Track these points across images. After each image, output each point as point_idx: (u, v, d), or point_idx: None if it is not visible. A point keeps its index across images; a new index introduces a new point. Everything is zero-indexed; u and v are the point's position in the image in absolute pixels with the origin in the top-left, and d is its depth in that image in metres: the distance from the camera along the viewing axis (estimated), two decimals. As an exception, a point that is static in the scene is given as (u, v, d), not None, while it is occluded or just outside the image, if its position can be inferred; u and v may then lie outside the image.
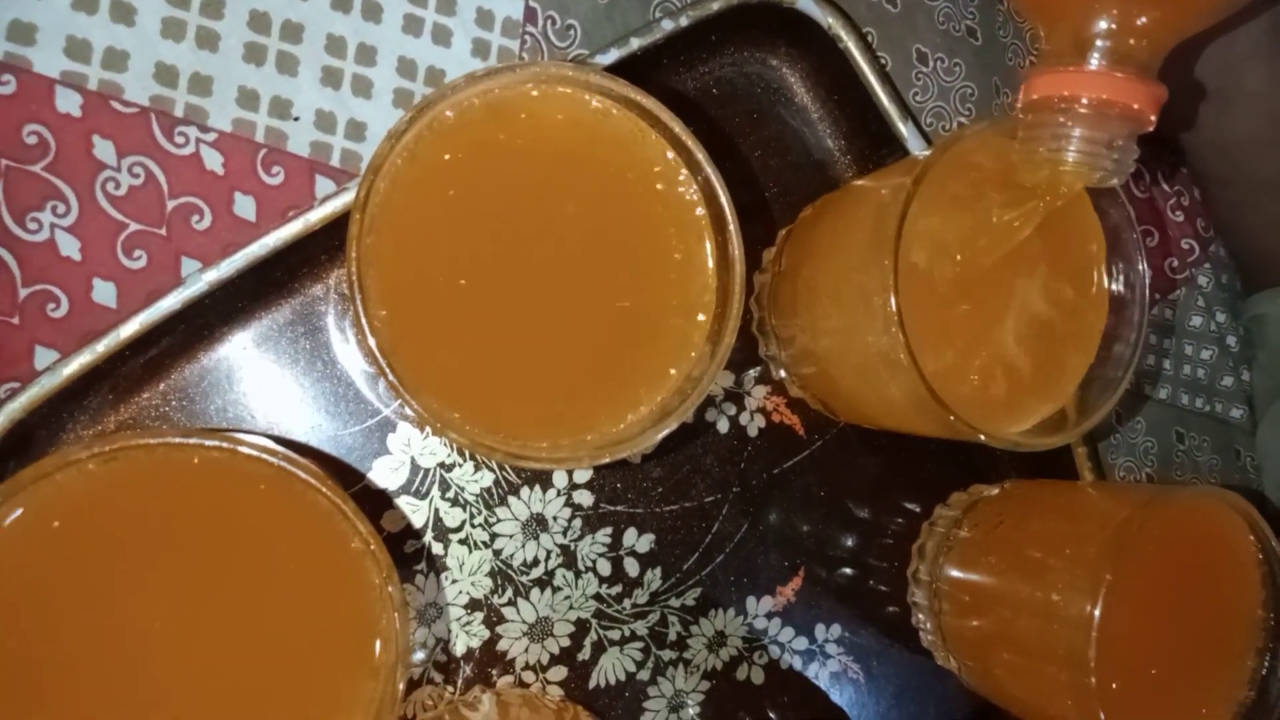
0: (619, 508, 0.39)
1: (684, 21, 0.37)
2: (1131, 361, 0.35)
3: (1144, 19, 0.29)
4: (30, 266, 0.32)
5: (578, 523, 0.39)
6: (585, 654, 0.39)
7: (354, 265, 0.28)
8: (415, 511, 0.37)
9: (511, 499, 0.38)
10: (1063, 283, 0.36)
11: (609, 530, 0.39)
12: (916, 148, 0.41)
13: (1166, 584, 0.36)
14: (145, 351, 0.33)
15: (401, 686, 0.29)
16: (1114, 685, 0.33)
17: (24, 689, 0.27)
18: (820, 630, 0.42)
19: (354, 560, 0.29)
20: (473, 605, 0.37)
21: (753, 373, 0.41)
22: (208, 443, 0.28)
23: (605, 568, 0.39)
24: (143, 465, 0.28)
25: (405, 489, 0.37)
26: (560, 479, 0.39)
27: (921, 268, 0.33)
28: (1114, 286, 0.36)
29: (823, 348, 0.37)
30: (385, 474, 0.36)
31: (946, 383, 0.32)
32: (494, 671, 0.37)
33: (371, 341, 0.28)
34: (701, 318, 0.32)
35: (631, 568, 0.39)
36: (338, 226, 0.33)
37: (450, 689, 0.37)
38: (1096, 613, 0.33)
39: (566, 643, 0.38)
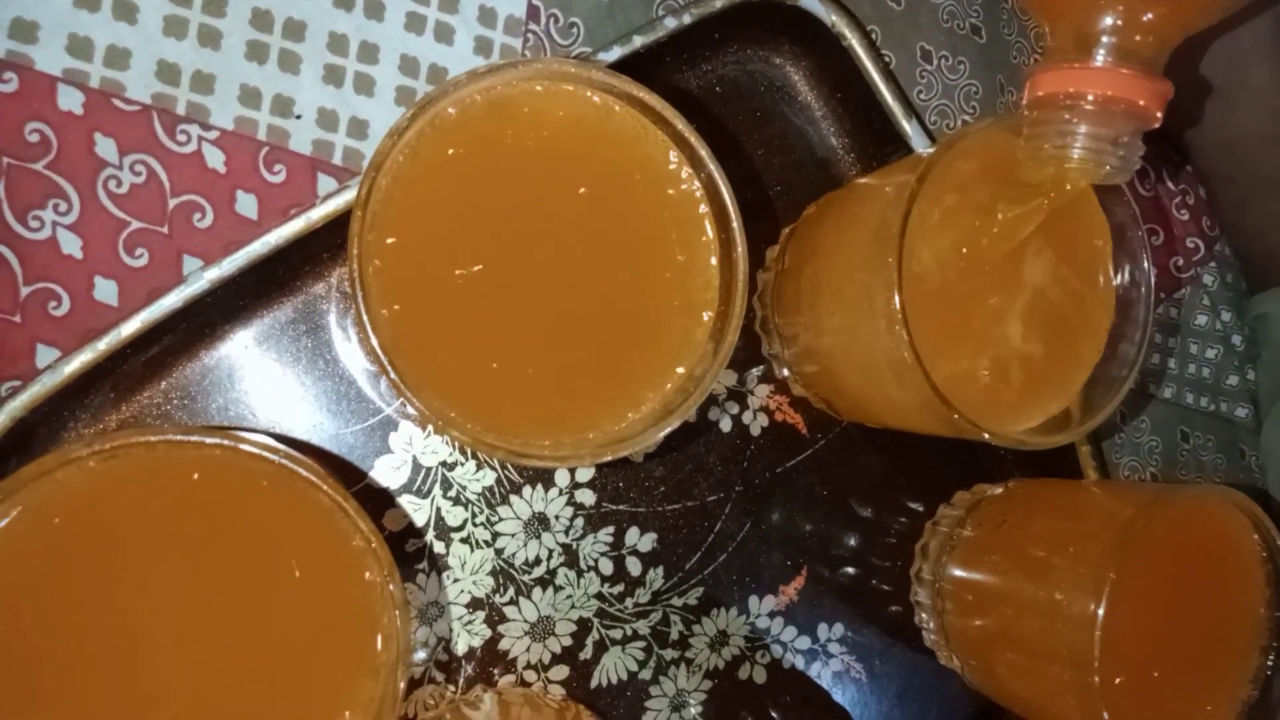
0: (621, 507, 0.39)
1: (687, 19, 0.37)
2: (1136, 360, 0.35)
3: (1149, 15, 0.29)
4: (32, 264, 0.32)
5: (580, 522, 0.39)
6: (587, 653, 0.39)
7: (356, 262, 0.28)
8: (417, 510, 0.37)
9: (513, 498, 0.38)
10: (1068, 280, 0.36)
11: (611, 529, 0.39)
12: (920, 146, 0.41)
13: (1170, 583, 0.36)
14: (147, 350, 0.33)
15: (402, 685, 0.29)
16: (1118, 684, 0.33)
17: (25, 686, 0.27)
18: (823, 629, 0.42)
19: (355, 558, 0.29)
20: (474, 604, 0.37)
21: (755, 371, 0.41)
22: (209, 440, 0.28)
23: (607, 567, 0.39)
24: (143, 463, 0.28)
25: (407, 488, 0.37)
26: (562, 478, 0.38)
27: (925, 265, 0.33)
28: (1119, 284, 0.36)
29: (826, 346, 0.37)
30: (387, 473, 0.36)
31: (950, 381, 0.32)
32: (496, 671, 0.37)
33: (373, 339, 0.28)
34: (705, 316, 0.32)
35: (634, 567, 0.39)
36: (340, 224, 0.33)
37: (452, 688, 0.37)
38: (1100, 612, 0.33)
39: (568, 642, 0.38)
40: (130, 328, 0.32)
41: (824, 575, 0.42)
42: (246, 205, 0.34)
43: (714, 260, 0.32)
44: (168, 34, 0.33)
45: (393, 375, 0.28)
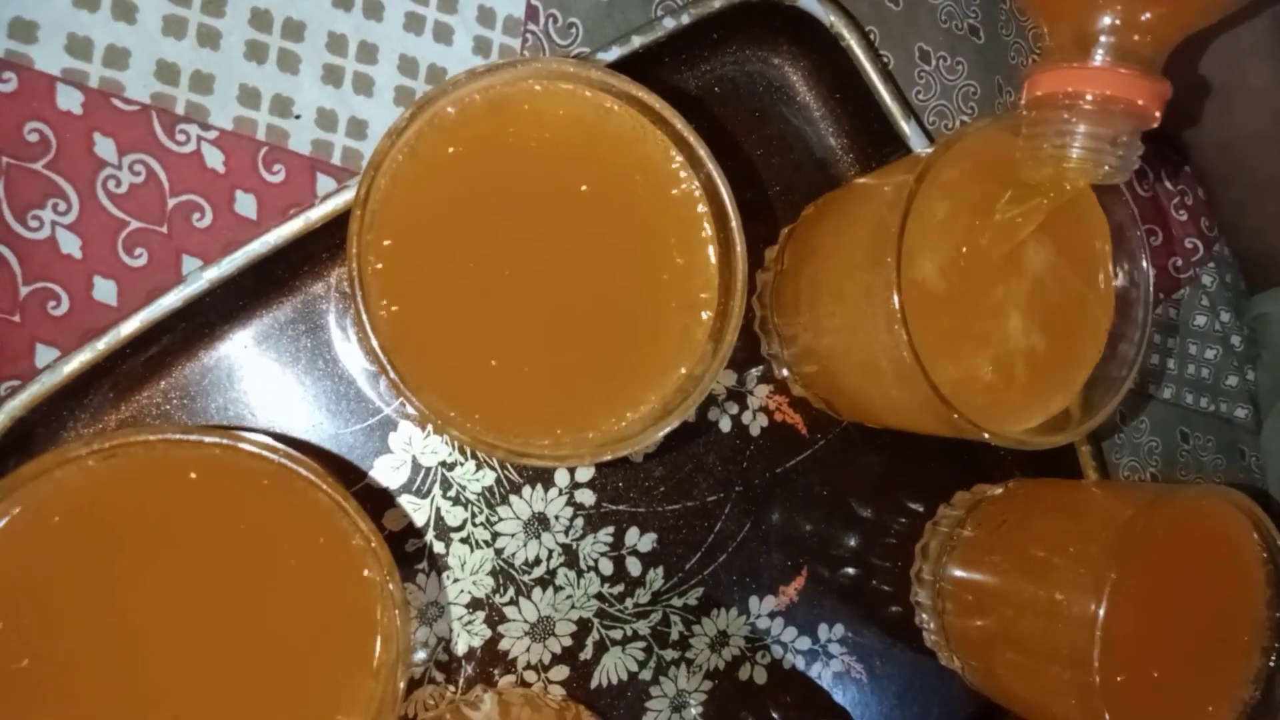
0: (621, 507, 0.39)
1: (685, 19, 0.37)
2: (1135, 360, 0.35)
3: (1148, 15, 0.29)
4: (31, 264, 0.32)
5: (580, 522, 0.39)
6: (587, 653, 0.39)
7: (355, 262, 0.28)
8: (417, 510, 0.37)
9: (513, 498, 0.38)
10: (1068, 280, 0.36)
11: (611, 529, 0.39)
12: (919, 146, 0.41)
13: (1171, 583, 0.36)
14: (146, 349, 0.33)
15: (402, 685, 0.29)
16: (1118, 684, 0.33)
17: (24, 685, 0.27)
18: (823, 630, 0.42)
19: (355, 558, 0.29)
20: (474, 604, 0.37)
21: (755, 371, 0.41)
22: (208, 439, 0.28)
23: (607, 567, 0.39)
24: (142, 462, 0.28)
25: (407, 488, 0.37)
26: (562, 478, 0.38)
27: (924, 265, 0.33)
28: (1118, 285, 0.36)
29: (825, 346, 0.37)
30: (387, 473, 0.36)
31: (950, 380, 0.32)
32: (495, 671, 0.37)
33: (373, 339, 0.28)
34: (704, 315, 0.32)
35: (633, 567, 0.39)
36: (339, 224, 0.33)
37: (451, 688, 0.37)
38: (1101, 612, 0.33)
39: (568, 642, 0.38)
40: (129, 327, 0.32)
41: (824, 575, 0.42)
42: (246, 205, 0.34)
43: (713, 260, 0.32)
44: (167, 34, 0.33)
45: (392, 375, 0.28)
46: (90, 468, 0.27)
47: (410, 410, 0.36)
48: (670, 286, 0.32)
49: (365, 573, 0.29)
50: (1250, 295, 0.50)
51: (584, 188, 0.31)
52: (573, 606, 0.38)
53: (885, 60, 0.42)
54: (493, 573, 0.37)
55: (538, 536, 0.38)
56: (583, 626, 0.39)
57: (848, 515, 0.43)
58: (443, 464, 0.37)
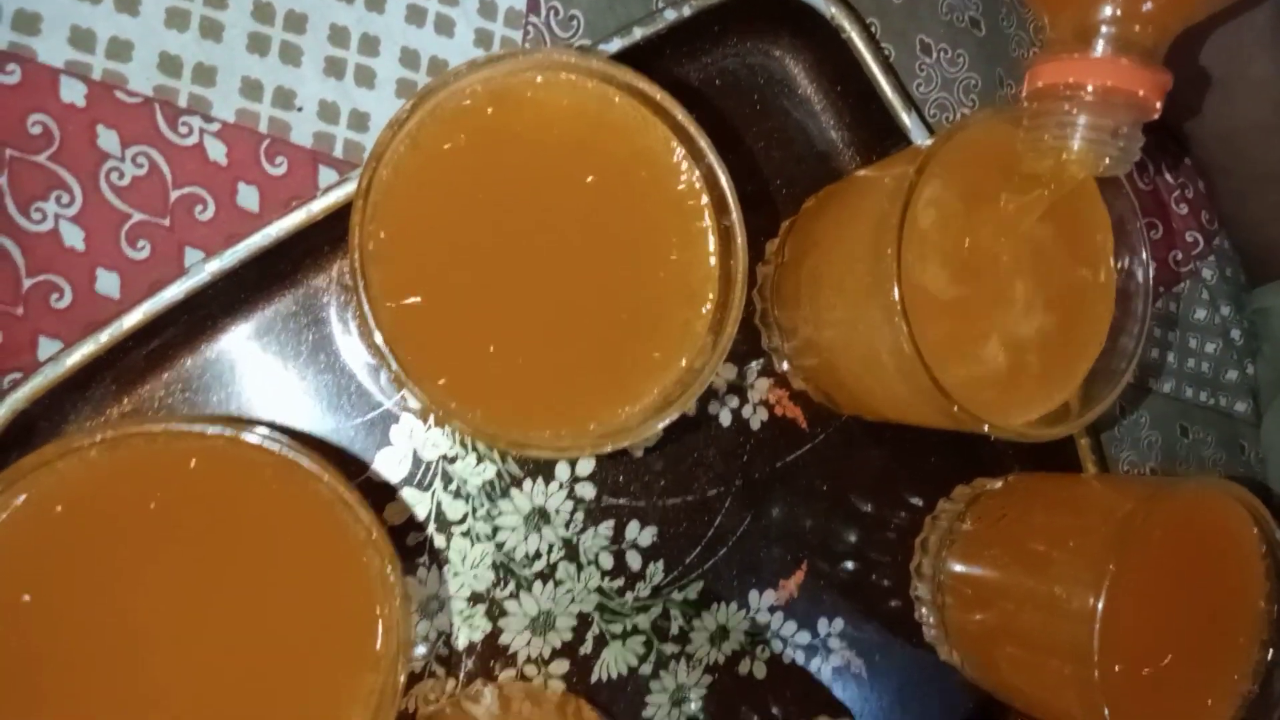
0: (621, 501, 0.39)
1: (686, 11, 0.37)
2: (1134, 353, 0.35)
3: (1148, 5, 0.29)
4: (34, 257, 0.32)
5: (580, 516, 0.39)
6: (587, 648, 0.39)
7: (357, 253, 0.28)
8: (417, 504, 0.37)
9: (514, 491, 0.38)
10: (1070, 273, 0.36)
11: (611, 523, 0.39)
12: (920, 139, 0.41)
13: (1170, 577, 0.36)
14: (148, 342, 0.33)
15: (402, 678, 0.29)
16: (1117, 678, 0.34)
17: (25, 677, 0.27)
18: (823, 624, 0.42)
19: (356, 549, 0.29)
20: (475, 598, 0.37)
21: (755, 365, 0.41)
22: (210, 430, 0.28)
23: (607, 561, 0.39)
24: (145, 453, 0.28)
25: (408, 481, 0.37)
26: (562, 472, 0.38)
27: (925, 257, 0.33)
28: (1118, 278, 0.36)
29: (826, 339, 0.37)
30: (388, 466, 0.36)
31: (950, 373, 0.32)
32: (496, 665, 0.37)
33: (375, 330, 0.28)
34: (704, 308, 0.32)
35: (634, 561, 0.39)
36: (340, 216, 0.33)
37: (452, 682, 0.37)
38: (1100, 605, 0.33)
39: (568, 636, 0.38)
40: (132, 320, 0.32)
41: (824, 570, 0.42)
42: (248, 197, 0.34)
43: (713, 252, 0.32)
44: (170, 26, 0.33)
45: (394, 366, 0.28)
46: (92, 459, 0.27)
47: (412, 403, 0.36)
48: (671, 279, 0.32)
49: (367, 564, 0.29)
50: (1251, 289, 0.50)
51: (585, 179, 0.31)
52: (573, 600, 0.38)
53: (886, 53, 0.42)
54: (493, 567, 0.37)
55: (538, 530, 0.38)
56: (583, 621, 0.39)
57: (848, 509, 0.43)
58: (444, 457, 0.37)
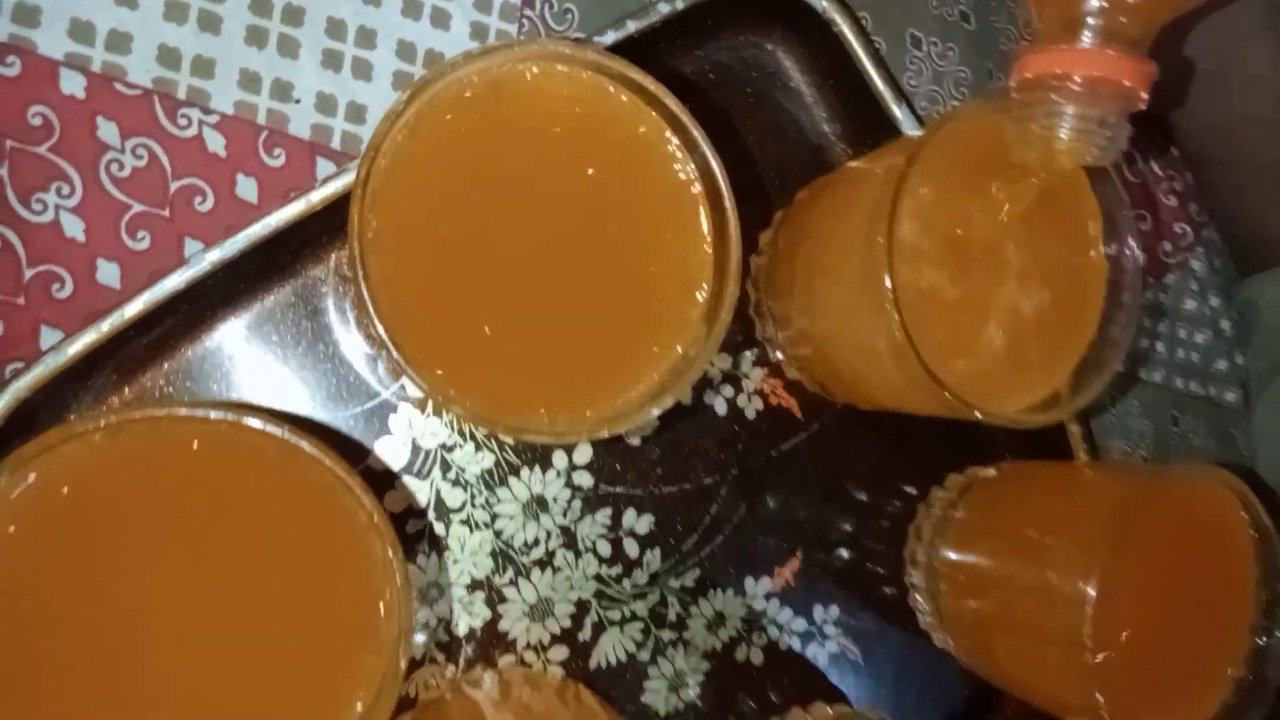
0: (618, 489, 0.39)
1: (680, 5, 0.38)
2: (1123, 341, 0.36)
3: (1133, -5, 0.30)
4: (35, 247, 0.33)
5: (578, 504, 0.39)
6: (586, 634, 0.39)
7: (356, 242, 0.28)
8: (417, 492, 0.37)
9: (512, 480, 0.38)
10: (1060, 262, 0.36)
11: (609, 511, 0.39)
12: (911, 131, 0.41)
13: (1162, 563, 0.36)
14: (149, 332, 0.34)
15: (403, 663, 0.29)
16: (1110, 663, 0.34)
17: (30, 657, 0.27)
18: (819, 611, 0.42)
19: (358, 533, 0.29)
20: (474, 585, 0.38)
21: (750, 355, 0.41)
22: (213, 415, 0.28)
23: (605, 548, 0.39)
24: (148, 438, 0.28)
25: (407, 469, 0.37)
26: (560, 460, 0.39)
27: (916, 246, 0.34)
28: (1107, 267, 0.37)
29: (819, 328, 0.38)
30: (387, 455, 0.37)
31: (942, 360, 0.33)
32: (495, 651, 0.38)
33: (373, 318, 0.28)
34: (699, 296, 0.32)
35: (631, 548, 0.40)
36: (339, 207, 0.34)
37: (452, 668, 0.37)
38: (1092, 591, 0.33)
39: (567, 623, 0.39)
40: (132, 309, 0.32)
41: (819, 557, 0.42)
42: (247, 189, 0.35)
43: (708, 240, 0.32)
44: (168, 19, 0.33)
45: (395, 354, 0.28)
46: (95, 444, 0.27)
47: (411, 390, 0.36)
48: (666, 267, 0.32)
49: (369, 547, 0.29)
50: (1240, 280, 0.50)
51: (581, 169, 0.31)
52: (571, 587, 0.39)
53: (877, 46, 0.42)
54: (492, 554, 0.38)
55: (536, 518, 0.38)
56: (581, 607, 0.39)
57: (842, 497, 0.43)
58: (442, 446, 0.37)
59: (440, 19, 0.37)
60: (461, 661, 0.37)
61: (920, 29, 0.43)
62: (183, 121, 0.34)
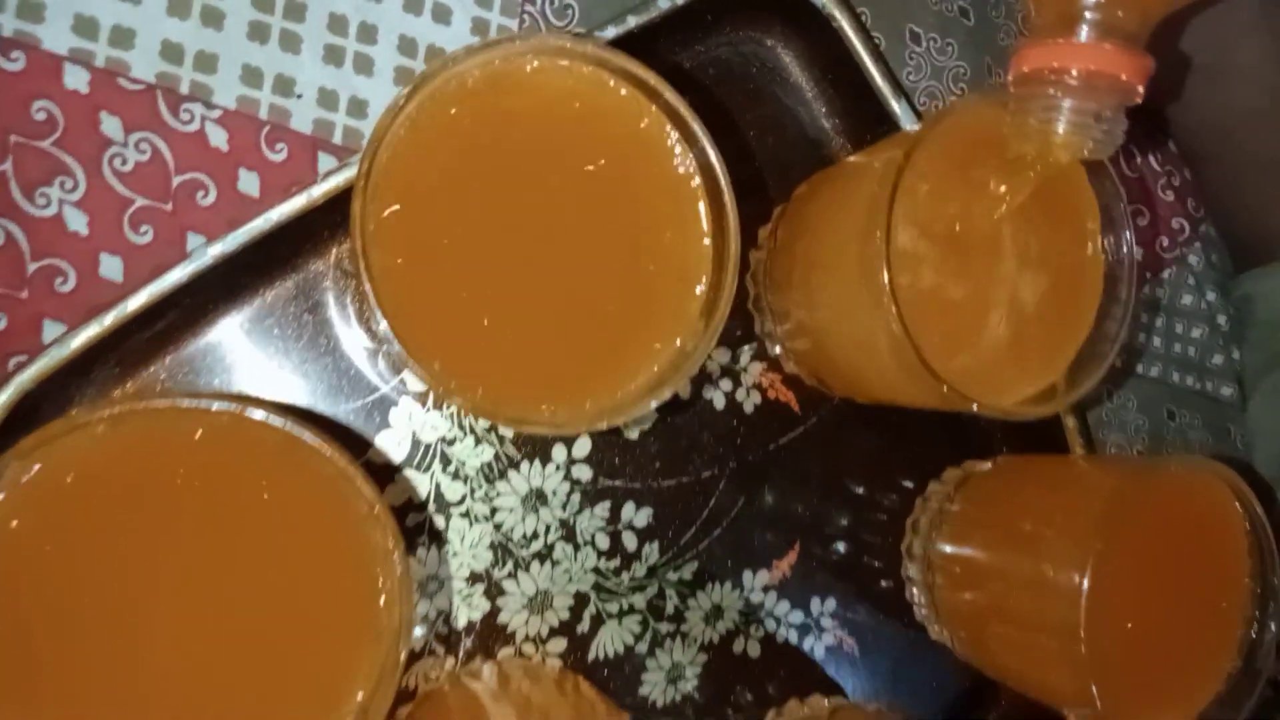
0: (617, 482, 0.40)
1: (680, 0, 0.38)
2: (1119, 335, 0.36)
3: (1130, -9, 0.30)
4: (39, 241, 0.33)
5: (576, 497, 0.39)
6: (584, 626, 0.39)
7: (357, 236, 0.28)
8: (417, 486, 0.37)
9: (511, 473, 0.38)
10: (1058, 256, 0.36)
11: (607, 504, 0.40)
12: (909, 126, 0.41)
13: (1156, 554, 0.36)
14: (151, 325, 0.34)
15: (403, 654, 0.29)
16: (1104, 654, 0.34)
17: (34, 643, 0.27)
18: (816, 604, 0.42)
19: (359, 523, 0.29)
20: (473, 578, 0.38)
21: (748, 349, 0.42)
22: (215, 406, 0.28)
23: (604, 542, 0.39)
24: (151, 429, 0.28)
25: (407, 463, 0.37)
26: (559, 453, 0.39)
27: (914, 240, 0.34)
28: (1104, 262, 0.37)
29: (818, 322, 0.38)
30: (387, 448, 0.37)
31: (939, 354, 0.33)
32: (495, 643, 0.38)
33: (376, 310, 0.28)
34: (698, 289, 0.32)
35: (629, 542, 0.40)
36: (340, 202, 0.34)
37: (451, 660, 0.37)
38: (1086, 583, 0.33)
39: (566, 615, 0.39)
40: (135, 303, 0.32)
41: (816, 551, 0.43)
42: (249, 183, 0.35)
43: (707, 234, 0.32)
44: (171, 14, 0.34)
45: (396, 346, 0.28)
46: (98, 435, 0.28)
47: (411, 383, 0.36)
48: (665, 261, 0.32)
49: (369, 538, 0.29)
50: (1236, 275, 0.50)
51: (581, 163, 0.31)
52: (570, 580, 0.39)
53: (876, 41, 0.42)
54: (491, 547, 0.38)
55: (535, 511, 0.39)
56: (580, 600, 0.39)
57: (840, 491, 0.43)
58: (442, 440, 0.38)
59: (441, 14, 0.37)
60: (461, 653, 0.38)
61: (919, 24, 0.44)
62: (185, 116, 0.34)
